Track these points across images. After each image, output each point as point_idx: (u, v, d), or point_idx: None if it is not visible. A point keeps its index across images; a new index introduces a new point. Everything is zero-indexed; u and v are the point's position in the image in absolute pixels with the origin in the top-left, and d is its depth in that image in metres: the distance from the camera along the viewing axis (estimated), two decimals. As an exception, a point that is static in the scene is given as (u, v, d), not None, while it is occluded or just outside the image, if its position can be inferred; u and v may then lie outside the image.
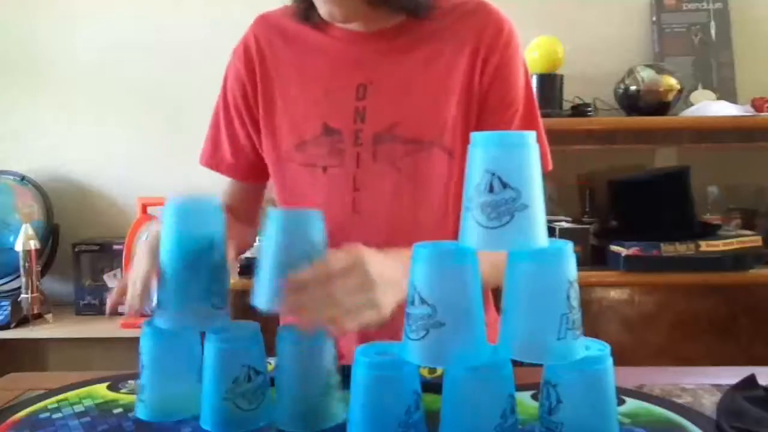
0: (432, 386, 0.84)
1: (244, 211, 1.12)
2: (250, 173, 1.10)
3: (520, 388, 0.84)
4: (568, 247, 0.67)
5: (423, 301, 0.65)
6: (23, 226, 2.13)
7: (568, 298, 0.66)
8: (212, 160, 1.11)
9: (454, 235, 0.97)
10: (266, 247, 0.76)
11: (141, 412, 0.79)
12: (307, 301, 0.72)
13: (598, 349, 0.70)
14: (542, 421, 0.69)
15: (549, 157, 1.04)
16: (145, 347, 0.80)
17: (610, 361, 0.69)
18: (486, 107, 0.98)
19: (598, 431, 0.67)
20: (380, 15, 0.96)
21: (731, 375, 0.85)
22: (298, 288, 0.72)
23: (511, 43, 0.97)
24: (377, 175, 0.97)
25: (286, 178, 1.04)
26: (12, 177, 2.34)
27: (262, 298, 0.75)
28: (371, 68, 0.97)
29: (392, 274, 0.75)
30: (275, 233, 0.75)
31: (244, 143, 1.07)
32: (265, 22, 1.05)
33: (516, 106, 0.98)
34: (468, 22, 0.97)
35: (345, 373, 0.76)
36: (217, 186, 1.14)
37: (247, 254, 1.89)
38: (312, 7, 0.95)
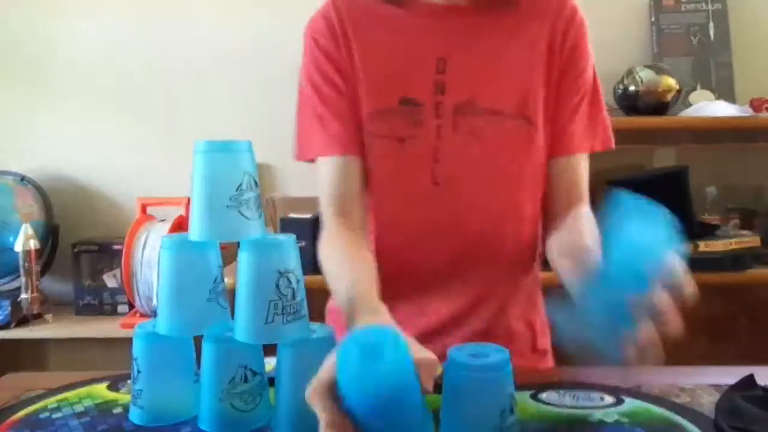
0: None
1: (359, 208, 1.02)
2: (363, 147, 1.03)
3: (520, 388, 0.84)
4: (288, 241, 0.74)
5: None
6: (23, 226, 2.13)
7: (278, 286, 0.71)
8: (324, 145, 1.01)
9: (532, 205, 1.03)
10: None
11: (137, 417, 0.79)
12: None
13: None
14: None
15: (611, 133, 1.08)
16: (140, 352, 0.79)
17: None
18: (562, 84, 1.01)
19: None
20: None
21: (730, 375, 0.85)
22: None
23: (583, 26, 1.03)
24: (458, 146, 0.97)
25: (366, 157, 1.02)
26: (12, 177, 2.34)
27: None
28: (451, 42, 0.98)
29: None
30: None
31: (350, 116, 1.01)
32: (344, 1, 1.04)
33: (588, 84, 1.04)
34: (544, 2, 1.01)
35: None
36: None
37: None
38: None
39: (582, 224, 0.98)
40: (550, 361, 1.12)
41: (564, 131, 1.02)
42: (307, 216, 1.99)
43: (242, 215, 0.73)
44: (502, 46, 0.99)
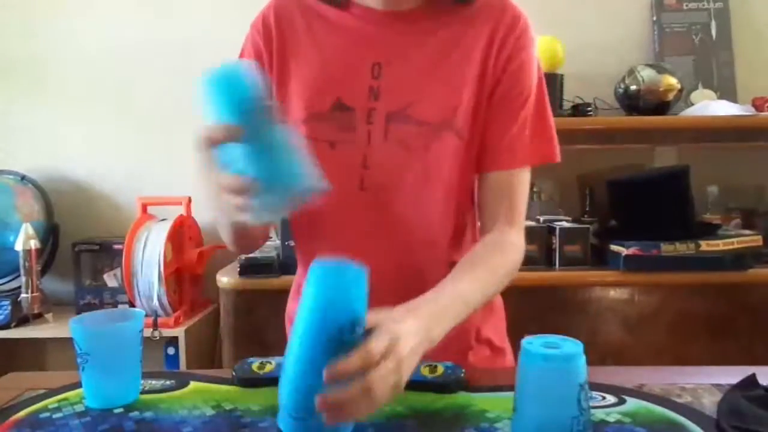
0: (432, 385, 0.85)
1: None
2: None
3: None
4: (580, 350, 0.70)
5: None
6: (23, 226, 2.13)
7: (579, 401, 0.68)
8: None
9: (457, 219, 1.01)
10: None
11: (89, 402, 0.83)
12: (347, 397, 0.65)
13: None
14: None
15: (557, 150, 1.04)
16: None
17: None
18: (495, 94, 0.98)
19: None
20: None
21: (732, 374, 0.85)
22: (341, 380, 0.65)
23: (525, 35, 0.99)
24: (387, 154, 0.97)
25: None
26: (12, 176, 2.34)
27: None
28: (388, 48, 0.98)
29: (418, 347, 0.73)
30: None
31: None
32: None
33: (526, 95, 1.00)
34: (486, 11, 0.99)
35: None
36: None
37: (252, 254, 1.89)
38: None
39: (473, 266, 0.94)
40: (510, 361, 1.12)
41: (498, 145, 0.99)
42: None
43: None
44: (439, 55, 0.98)
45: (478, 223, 1.06)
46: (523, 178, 1.01)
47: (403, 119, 0.96)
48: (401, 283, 0.92)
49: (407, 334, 0.71)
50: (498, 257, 0.96)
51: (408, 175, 0.97)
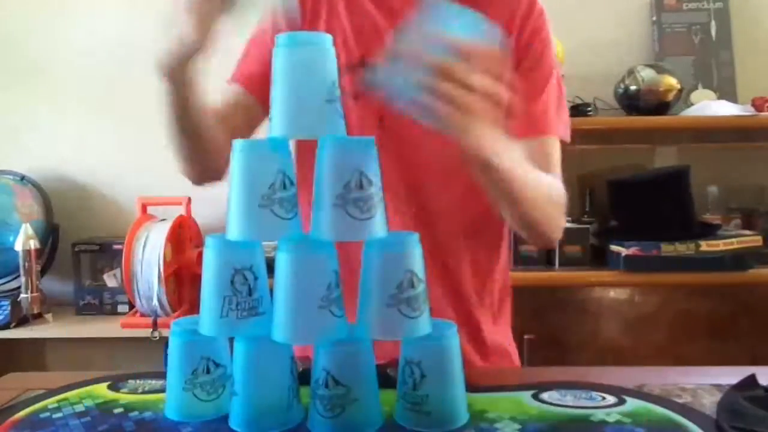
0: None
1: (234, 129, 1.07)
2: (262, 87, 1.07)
3: (521, 388, 0.84)
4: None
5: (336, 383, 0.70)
6: (23, 226, 2.13)
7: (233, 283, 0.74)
8: (235, 74, 1.11)
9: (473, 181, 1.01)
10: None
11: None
12: (445, 90, 0.74)
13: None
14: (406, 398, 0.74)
15: (569, 129, 1.09)
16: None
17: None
18: (521, 68, 1.02)
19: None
20: None
21: (732, 375, 0.85)
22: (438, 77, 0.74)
23: (543, 14, 1.06)
24: (399, 114, 0.99)
25: None
26: (12, 177, 2.34)
27: None
28: (412, 15, 1.00)
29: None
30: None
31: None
32: None
33: (549, 72, 1.05)
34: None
35: (304, 375, 0.76)
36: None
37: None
38: None
39: None
40: (515, 362, 1.13)
41: (528, 113, 1.02)
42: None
43: (275, 215, 0.72)
44: None
45: None
46: (556, 146, 1.05)
47: None
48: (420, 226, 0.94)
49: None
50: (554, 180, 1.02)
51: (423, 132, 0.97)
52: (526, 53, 1.03)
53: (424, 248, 0.76)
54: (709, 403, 0.81)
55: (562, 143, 1.06)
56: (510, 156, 0.86)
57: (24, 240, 2.11)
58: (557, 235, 1.04)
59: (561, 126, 1.06)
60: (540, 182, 0.96)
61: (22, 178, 2.35)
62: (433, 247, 0.98)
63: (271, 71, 0.78)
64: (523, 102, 0.98)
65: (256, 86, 1.06)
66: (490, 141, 0.81)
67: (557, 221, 1.02)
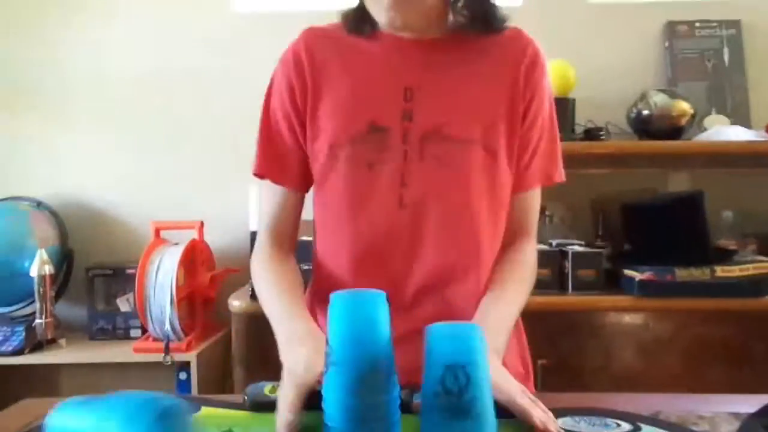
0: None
1: (292, 234, 1.14)
2: (304, 181, 1.12)
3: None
4: None
5: None
6: (38, 252, 2.14)
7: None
8: (278, 172, 1.11)
9: (495, 226, 1.07)
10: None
11: None
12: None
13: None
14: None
15: (562, 167, 1.13)
16: None
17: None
18: (524, 123, 1.05)
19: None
20: (434, 25, 1.04)
21: (750, 403, 0.83)
22: None
23: (544, 65, 1.07)
24: (424, 172, 1.01)
25: (330, 179, 1.06)
26: (28, 202, 2.36)
27: None
28: (418, 74, 1.03)
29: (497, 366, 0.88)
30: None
31: (295, 150, 1.10)
32: (312, 32, 1.09)
33: (545, 124, 1.08)
34: (509, 45, 1.05)
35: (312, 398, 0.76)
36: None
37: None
38: (363, 19, 1.03)
39: (508, 273, 1.08)
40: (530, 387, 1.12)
41: (526, 169, 1.08)
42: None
43: None
44: (467, 80, 1.04)
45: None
46: (537, 196, 1.12)
47: (438, 138, 1.01)
48: (428, 302, 1.04)
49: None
50: (524, 269, 1.10)
51: (445, 190, 1.01)
52: (528, 109, 1.05)
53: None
54: (726, 431, 0.80)
55: (559, 181, 1.13)
56: (502, 337, 0.98)
57: (39, 265, 2.12)
58: None
59: (548, 175, 1.11)
60: (522, 301, 1.08)
61: (39, 204, 2.37)
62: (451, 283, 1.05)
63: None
64: (521, 157, 1.07)
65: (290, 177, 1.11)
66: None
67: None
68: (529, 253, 1.12)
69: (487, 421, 0.69)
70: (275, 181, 1.11)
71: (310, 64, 1.06)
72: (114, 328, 2.30)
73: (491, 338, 0.82)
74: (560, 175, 1.12)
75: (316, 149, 1.06)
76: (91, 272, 2.31)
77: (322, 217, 1.10)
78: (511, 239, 1.11)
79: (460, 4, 1.04)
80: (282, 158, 1.10)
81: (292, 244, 1.14)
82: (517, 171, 1.07)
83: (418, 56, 1.04)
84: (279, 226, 1.12)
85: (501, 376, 0.85)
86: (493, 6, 1.04)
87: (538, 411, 0.78)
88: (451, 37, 1.05)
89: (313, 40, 1.08)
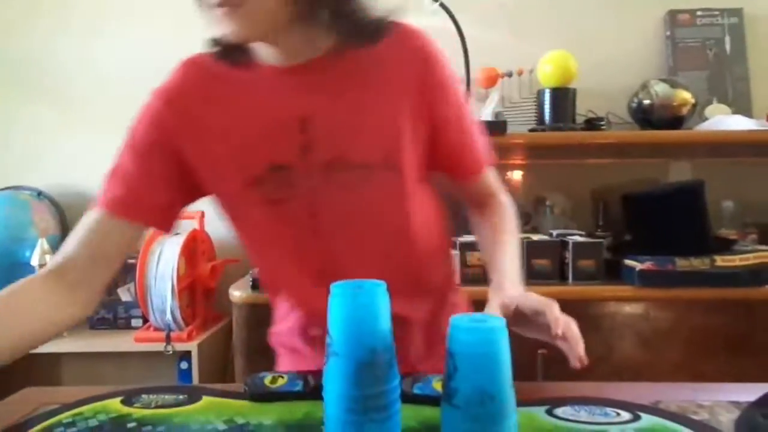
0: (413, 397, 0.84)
1: (95, 273, 0.98)
2: (160, 216, 1.02)
3: (535, 403, 0.84)
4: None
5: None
6: (39, 241, 2.14)
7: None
8: (131, 208, 0.99)
9: (409, 249, 1.04)
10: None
11: None
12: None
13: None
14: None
15: (489, 151, 1.11)
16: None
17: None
18: (437, 120, 1.00)
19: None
20: (306, 45, 0.94)
21: (749, 391, 0.84)
22: None
23: (438, 57, 1.00)
24: (332, 202, 0.97)
25: (239, 219, 1.04)
26: (29, 192, 2.36)
27: None
28: (310, 102, 0.95)
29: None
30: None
31: (151, 185, 0.99)
32: (193, 65, 1.00)
33: (464, 108, 1.04)
34: (400, 47, 0.97)
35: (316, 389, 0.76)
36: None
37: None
38: (236, 48, 0.94)
39: (495, 222, 1.10)
40: None
41: (460, 157, 1.06)
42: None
43: None
44: (361, 99, 0.96)
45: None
46: (487, 176, 1.11)
47: (341, 166, 0.95)
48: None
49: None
50: (506, 222, 1.10)
51: (356, 217, 0.98)
52: (435, 110, 0.99)
53: None
54: (726, 420, 0.80)
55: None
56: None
57: (40, 255, 2.13)
58: None
59: (488, 156, 1.10)
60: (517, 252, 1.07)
61: (39, 193, 2.37)
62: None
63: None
64: (455, 147, 1.04)
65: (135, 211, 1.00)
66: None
67: None
68: (503, 207, 1.12)
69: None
70: (127, 217, 0.98)
71: (190, 103, 0.97)
72: (115, 318, 2.31)
73: (508, 277, 0.95)
74: (491, 158, 1.11)
75: (216, 193, 1.02)
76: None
77: (250, 257, 1.09)
78: (480, 208, 1.12)
79: (324, 19, 0.92)
80: (137, 193, 0.98)
81: (80, 281, 0.97)
82: (451, 168, 1.07)
83: (305, 82, 0.95)
84: (86, 254, 0.97)
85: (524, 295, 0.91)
86: (362, 18, 0.92)
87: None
88: (334, 55, 0.95)
89: (194, 75, 0.99)
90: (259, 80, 0.97)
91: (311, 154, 0.95)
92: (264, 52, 0.95)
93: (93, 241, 0.98)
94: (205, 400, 0.89)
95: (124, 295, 2.32)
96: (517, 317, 0.84)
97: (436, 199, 1.11)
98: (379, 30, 0.94)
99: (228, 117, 0.97)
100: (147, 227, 1.02)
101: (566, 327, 0.84)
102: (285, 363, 1.16)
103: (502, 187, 1.14)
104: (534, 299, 0.86)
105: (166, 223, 1.03)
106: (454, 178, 1.09)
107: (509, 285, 0.94)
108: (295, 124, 0.95)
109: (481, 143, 1.08)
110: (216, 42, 0.95)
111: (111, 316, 2.31)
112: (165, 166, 0.99)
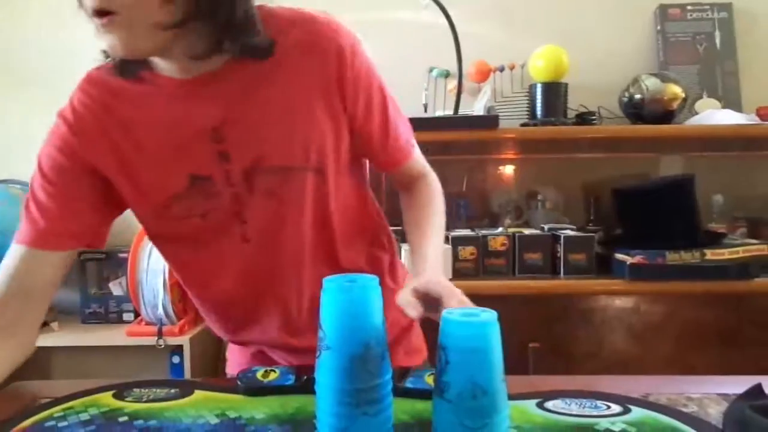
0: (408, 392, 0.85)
1: (40, 297, 0.96)
2: (76, 238, 0.97)
3: (526, 396, 0.84)
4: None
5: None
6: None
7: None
8: (59, 237, 0.95)
9: (330, 248, 1.03)
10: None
11: None
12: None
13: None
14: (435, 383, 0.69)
15: (412, 137, 1.10)
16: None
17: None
18: (357, 117, 0.98)
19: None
20: (195, 56, 0.87)
21: (737, 384, 0.84)
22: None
23: (353, 49, 0.94)
24: (258, 207, 0.96)
25: (166, 236, 1.02)
26: (20, 186, 2.35)
27: None
28: (220, 111, 0.91)
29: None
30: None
31: (69, 211, 0.96)
32: (92, 82, 0.97)
33: (384, 101, 1.01)
34: (309, 44, 0.92)
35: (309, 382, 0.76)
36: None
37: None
38: (134, 62, 0.91)
39: (420, 203, 1.10)
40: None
41: (382, 150, 1.04)
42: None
43: None
44: (273, 103, 0.92)
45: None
46: (417, 153, 1.10)
47: (261, 170, 0.94)
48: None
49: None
50: (433, 200, 1.10)
51: (283, 220, 0.97)
52: (354, 105, 0.96)
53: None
54: (715, 412, 0.81)
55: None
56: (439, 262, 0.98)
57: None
58: None
59: (413, 142, 1.09)
60: (442, 221, 1.08)
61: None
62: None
63: None
64: (378, 141, 1.02)
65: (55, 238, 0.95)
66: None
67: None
68: (428, 188, 1.11)
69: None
70: (56, 247, 0.95)
71: (96, 123, 0.94)
72: (106, 312, 2.31)
73: (429, 262, 0.95)
74: (414, 142, 1.10)
75: (140, 211, 1.00)
76: (84, 256, 2.30)
77: (176, 274, 1.08)
78: (408, 191, 1.12)
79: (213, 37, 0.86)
80: (61, 221, 0.95)
81: (29, 324, 0.96)
82: (373, 159, 1.06)
83: (210, 92, 0.91)
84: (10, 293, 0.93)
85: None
86: (251, 36, 0.87)
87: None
88: (234, 62, 0.90)
89: (96, 93, 0.95)
90: (161, 94, 0.92)
91: (229, 163, 0.93)
92: (162, 65, 0.91)
93: (23, 279, 0.93)
94: (197, 394, 0.89)
95: (116, 289, 2.31)
96: (427, 302, 0.82)
97: (363, 188, 1.10)
98: (269, 47, 0.90)
99: (138, 133, 0.93)
100: (79, 249, 0.98)
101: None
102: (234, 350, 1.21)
103: (426, 166, 1.13)
104: (440, 286, 0.84)
105: (98, 240, 1.00)
106: (378, 168, 1.09)
107: (430, 271, 0.93)
108: (208, 135, 0.92)
109: (405, 133, 1.06)
110: (107, 55, 0.92)
111: (102, 310, 2.30)
112: (82, 186, 0.95)
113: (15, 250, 0.94)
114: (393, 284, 1.14)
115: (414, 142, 1.10)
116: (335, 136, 0.97)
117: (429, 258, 0.97)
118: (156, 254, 2.12)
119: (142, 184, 0.95)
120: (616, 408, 0.81)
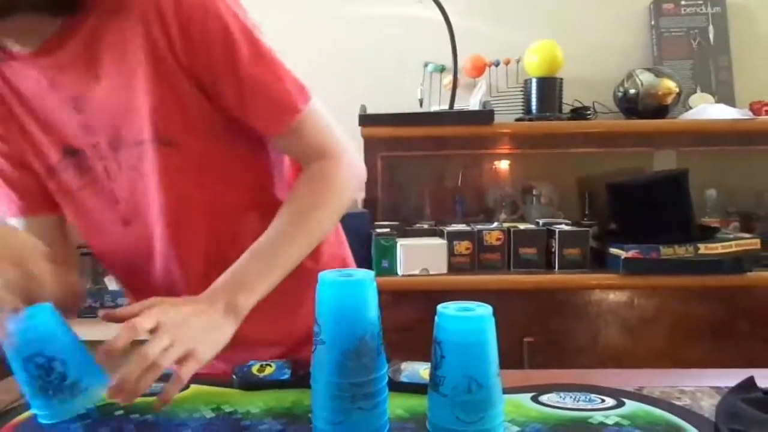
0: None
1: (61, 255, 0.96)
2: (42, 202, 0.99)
3: (520, 390, 0.85)
4: None
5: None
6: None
7: None
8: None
9: (205, 225, 0.96)
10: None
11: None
12: (129, 375, 0.76)
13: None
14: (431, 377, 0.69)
15: (302, 85, 0.92)
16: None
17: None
18: (203, 76, 0.87)
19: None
20: (25, 26, 0.84)
21: (730, 377, 0.85)
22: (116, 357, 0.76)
23: (199, 9, 0.84)
24: (128, 183, 0.93)
25: (64, 206, 1.01)
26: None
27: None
28: (68, 80, 0.88)
29: (199, 314, 0.82)
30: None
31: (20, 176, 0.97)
32: None
33: (237, 52, 0.86)
34: (140, 7, 0.84)
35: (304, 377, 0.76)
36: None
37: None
38: None
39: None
40: None
41: (247, 114, 0.90)
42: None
43: None
44: (112, 73, 0.87)
45: None
46: (310, 117, 0.92)
47: (125, 144, 0.90)
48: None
49: (175, 305, 0.81)
50: (305, 187, 0.94)
51: (148, 198, 0.93)
52: (193, 63, 0.86)
53: None
54: (708, 405, 0.81)
55: (308, 101, 0.92)
56: (244, 283, 0.86)
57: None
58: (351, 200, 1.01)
59: (296, 92, 0.91)
60: (302, 220, 0.91)
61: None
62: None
63: None
64: (245, 102, 0.89)
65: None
66: (190, 329, 0.80)
67: (347, 200, 0.97)
68: (307, 180, 0.95)
69: None
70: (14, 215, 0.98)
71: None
72: (102, 307, 2.30)
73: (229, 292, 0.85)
74: (304, 97, 0.91)
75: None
76: (80, 250, 2.29)
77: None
78: (299, 173, 0.98)
79: None
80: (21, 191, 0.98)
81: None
82: (256, 115, 0.91)
83: (59, 62, 0.87)
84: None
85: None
86: None
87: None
88: (68, 28, 0.85)
89: None
90: (18, 70, 0.90)
91: (95, 135, 0.91)
92: (7, 42, 0.88)
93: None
94: (193, 388, 0.89)
95: (111, 283, 2.31)
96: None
97: (262, 161, 0.99)
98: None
99: (25, 105, 0.93)
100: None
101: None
102: None
103: (336, 146, 0.96)
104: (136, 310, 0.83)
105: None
106: (261, 135, 0.95)
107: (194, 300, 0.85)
108: (70, 106, 0.90)
109: (277, 97, 0.90)
110: None
111: (98, 304, 2.30)
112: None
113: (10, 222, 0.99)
114: (314, 264, 1.02)
115: (308, 111, 0.91)
116: (179, 101, 0.87)
117: (217, 283, 0.87)
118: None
119: (28, 154, 0.95)
120: (609, 401, 0.82)
